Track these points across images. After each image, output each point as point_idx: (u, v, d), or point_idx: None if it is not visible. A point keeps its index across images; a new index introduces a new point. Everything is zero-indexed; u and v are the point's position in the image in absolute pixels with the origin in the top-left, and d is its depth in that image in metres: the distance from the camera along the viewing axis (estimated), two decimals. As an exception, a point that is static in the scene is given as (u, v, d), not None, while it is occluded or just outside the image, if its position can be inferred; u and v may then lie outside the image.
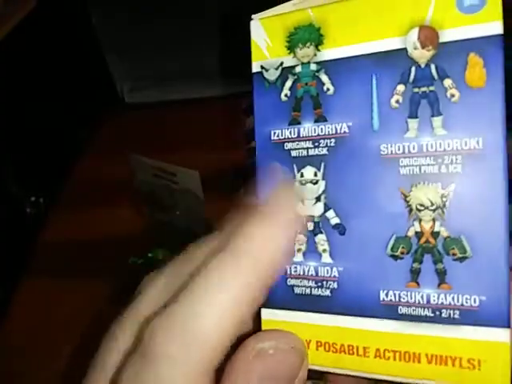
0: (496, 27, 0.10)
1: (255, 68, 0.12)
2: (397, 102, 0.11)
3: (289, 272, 0.12)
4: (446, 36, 0.10)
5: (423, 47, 0.11)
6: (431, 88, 0.11)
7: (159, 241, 0.41)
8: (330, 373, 0.12)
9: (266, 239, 0.11)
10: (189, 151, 0.47)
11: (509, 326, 0.10)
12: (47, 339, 0.40)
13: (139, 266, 0.39)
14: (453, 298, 0.10)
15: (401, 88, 0.11)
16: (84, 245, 0.47)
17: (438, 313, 0.10)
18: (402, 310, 0.11)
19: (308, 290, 0.12)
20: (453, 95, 0.10)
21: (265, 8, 0.12)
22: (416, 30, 0.11)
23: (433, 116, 0.11)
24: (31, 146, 0.50)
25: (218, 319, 0.10)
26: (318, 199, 0.12)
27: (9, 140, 0.48)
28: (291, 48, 0.12)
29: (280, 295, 0.12)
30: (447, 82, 0.10)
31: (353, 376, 0.11)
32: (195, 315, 0.10)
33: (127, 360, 0.10)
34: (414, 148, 0.11)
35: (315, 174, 0.12)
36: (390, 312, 0.11)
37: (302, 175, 0.12)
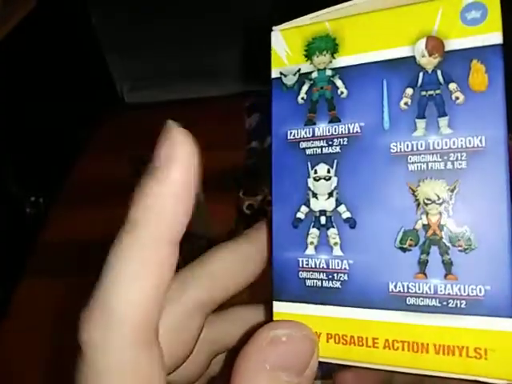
0: (496, 37, 0.11)
1: (274, 74, 0.13)
2: (406, 104, 0.12)
3: (301, 265, 0.12)
4: (451, 45, 0.11)
5: (430, 55, 0.11)
6: (437, 91, 0.11)
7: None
8: (339, 365, 0.12)
9: (159, 198, 0.10)
10: (189, 151, 0.47)
11: None
12: (47, 339, 0.40)
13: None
14: (459, 289, 0.11)
15: (409, 91, 0.12)
16: (84, 245, 0.47)
17: (445, 303, 0.11)
18: (411, 300, 0.11)
19: (319, 283, 0.12)
20: (457, 98, 0.11)
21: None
22: (424, 40, 0.11)
23: (439, 117, 0.11)
24: (31, 146, 0.50)
25: (129, 293, 0.10)
26: (330, 195, 0.12)
27: (9, 140, 0.48)
28: (309, 56, 0.13)
29: (292, 288, 0.12)
30: (452, 86, 0.11)
31: (362, 367, 0.11)
32: (108, 296, 0.10)
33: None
34: (421, 146, 0.11)
35: (328, 171, 0.12)
36: (398, 303, 0.11)
37: (315, 172, 0.13)
